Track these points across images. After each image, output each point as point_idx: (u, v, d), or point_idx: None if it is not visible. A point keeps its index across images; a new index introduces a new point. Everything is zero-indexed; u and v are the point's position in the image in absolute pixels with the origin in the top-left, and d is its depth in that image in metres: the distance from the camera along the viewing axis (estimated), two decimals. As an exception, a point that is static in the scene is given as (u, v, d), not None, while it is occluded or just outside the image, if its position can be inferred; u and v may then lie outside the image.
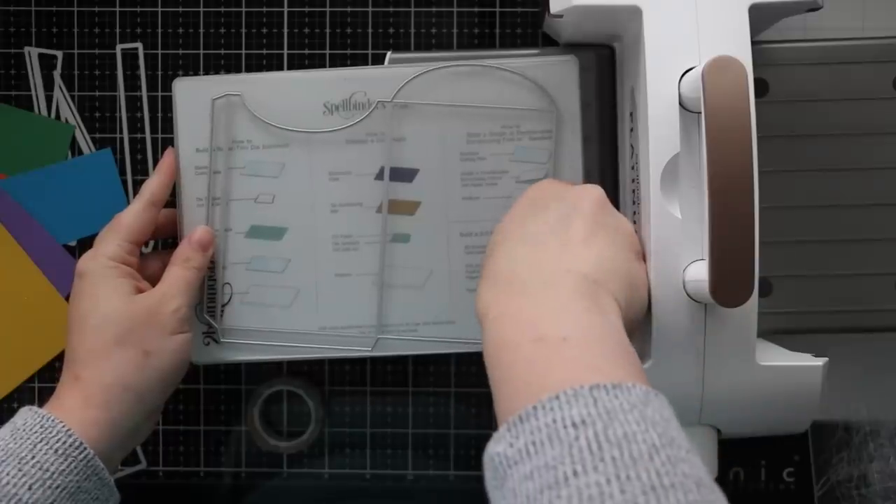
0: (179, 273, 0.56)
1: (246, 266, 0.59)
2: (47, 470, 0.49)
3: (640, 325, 0.51)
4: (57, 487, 0.48)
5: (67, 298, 0.63)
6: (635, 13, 0.52)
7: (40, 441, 0.49)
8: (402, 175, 0.58)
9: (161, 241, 0.63)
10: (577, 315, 0.44)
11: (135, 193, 0.63)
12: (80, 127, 0.64)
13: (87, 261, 0.56)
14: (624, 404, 0.38)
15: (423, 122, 0.58)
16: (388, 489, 0.65)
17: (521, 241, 0.49)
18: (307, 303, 0.59)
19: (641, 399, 0.39)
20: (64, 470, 0.49)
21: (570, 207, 0.50)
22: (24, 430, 0.50)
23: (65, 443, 0.50)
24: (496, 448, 0.39)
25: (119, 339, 0.53)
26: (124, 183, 0.64)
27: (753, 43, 0.51)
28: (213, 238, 0.58)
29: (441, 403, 0.65)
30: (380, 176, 0.58)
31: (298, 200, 0.59)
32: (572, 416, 0.38)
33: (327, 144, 0.58)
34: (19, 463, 0.48)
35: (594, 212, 0.50)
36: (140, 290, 0.56)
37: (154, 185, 0.58)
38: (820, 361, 0.53)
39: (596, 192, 0.51)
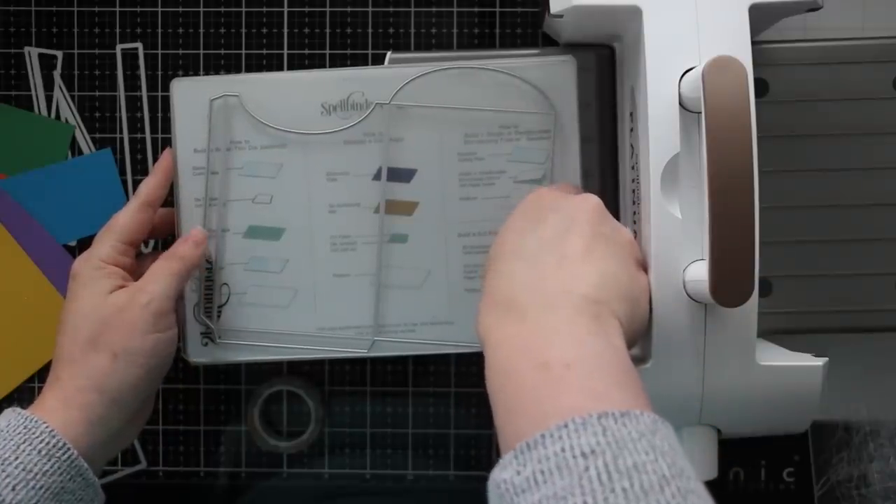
0: (159, 264, 0.55)
1: (244, 266, 0.59)
2: (30, 471, 0.48)
3: (641, 337, 0.51)
4: (41, 488, 0.48)
5: (67, 298, 0.63)
6: (635, 13, 0.51)
7: (23, 442, 0.49)
8: (400, 175, 0.58)
9: (162, 241, 0.63)
10: (579, 339, 0.44)
11: (134, 193, 0.63)
12: (80, 127, 0.64)
13: (79, 262, 0.56)
14: (633, 433, 0.38)
15: (421, 122, 0.58)
16: (388, 489, 0.65)
17: (518, 257, 0.48)
18: (305, 303, 0.59)
19: (650, 427, 0.39)
20: (48, 471, 0.49)
21: (566, 220, 0.49)
22: (7, 432, 0.50)
23: (48, 443, 0.49)
24: (502, 475, 0.39)
25: (91, 341, 0.53)
26: (124, 183, 0.64)
27: (753, 43, 0.51)
28: (204, 235, 0.57)
29: (441, 403, 0.65)
30: (377, 176, 0.58)
31: (296, 201, 0.59)
32: (581, 446, 0.37)
33: (325, 145, 0.58)
34: (2, 464, 0.48)
35: (591, 223, 0.49)
36: None
37: (150, 185, 0.57)
38: (820, 361, 0.53)
39: (592, 201, 0.50)
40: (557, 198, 0.51)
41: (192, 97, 0.58)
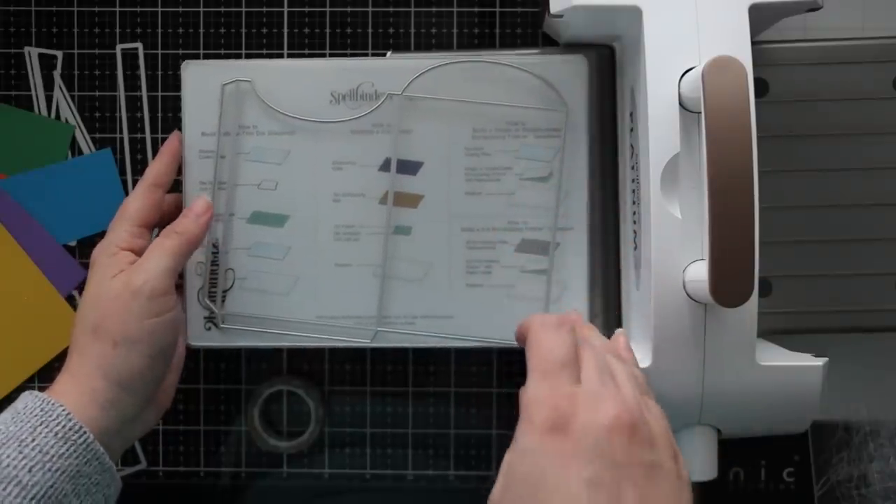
0: (156, 241, 0.55)
1: (247, 252, 0.59)
2: (47, 453, 0.48)
3: None
4: (57, 470, 0.48)
5: (67, 298, 0.63)
6: (635, 13, 0.52)
7: (40, 424, 0.49)
8: (407, 168, 0.59)
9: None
10: None
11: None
12: (80, 127, 0.64)
13: (96, 249, 0.55)
14: None
15: (430, 115, 0.58)
16: (388, 489, 0.65)
17: None
18: (306, 291, 0.59)
19: None
20: (63, 453, 0.49)
21: (607, 466, 0.41)
22: (24, 414, 0.50)
23: (65, 426, 0.49)
24: None
25: (94, 328, 0.53)
26: (124, 183, 0.64)
27: (753, 43, 0.51)
28: (207, 207, 0.57)
29: (441, 403, 0.65)
30: (383, 167, 0.59)
31: (301, 188, 0.59)
32: None
33: (332, 134, 0.58)
34: (20, 445, 0.48)
35: (631, 455, 0.41)
36: None
37: (156, 167, 0.58)
38: (820, 361, 0.53)
39: (620, 418, 0.42)
40: (576, 427, 0.42)
41: (202, 81, 0.58)
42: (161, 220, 0.59)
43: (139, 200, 0.56)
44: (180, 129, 0.59)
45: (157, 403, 0.57)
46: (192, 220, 0.56)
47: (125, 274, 0.54)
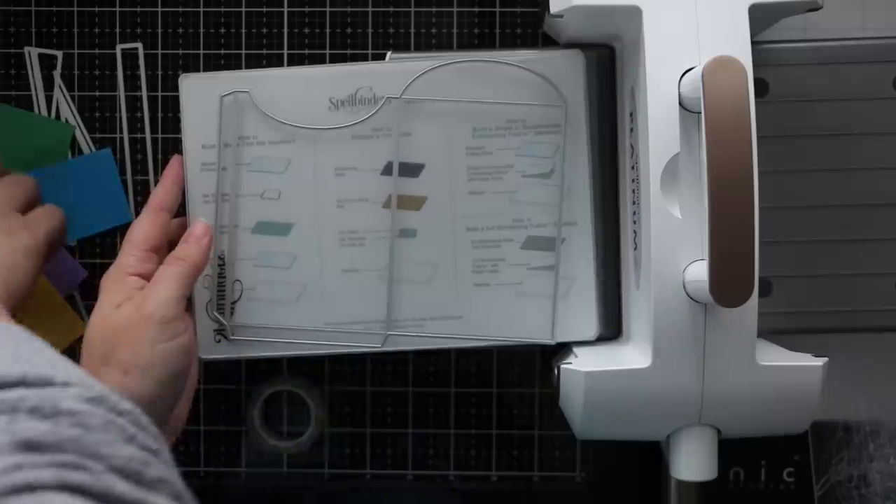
0: (162, 269, 0.54)
1: (253, 262, 0.59)
2: None
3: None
4: None
5: (67, 298, 0.63)
6: (635, 13, 0.51)
7: None
8: (409, 170, 0.59)
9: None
10: None
11: (135, 193, 0.63)
12: (80, 127, 0.64)
13: (104, 275, 0.55)
14: None
15: (430, 116, 0.58)
16: (388, 489, 0.65)
17: None
18: (313, 298, 0.59)
19: None
20: None
21: None
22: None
23: None
24: None
25: (103, 357, 0.52)
26: (124, 183, 0.64)
27: (753, 43, 0.51)
28: (207, 229, 0.56)
29: (441, 403, 0.65)
30: (385, 171, 0.58)
31: (304, 196, 0.59)
32: None
33: (333, 140, 0.58)
34: None
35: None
36: None
37: (160, 192, 0.57)
38: (820, 361, 0.53)
39: None
40: None
41: (199, 94, 0.58)
42: (172, 245, 0.59)
43: (145, 225, 0.55)
44: (180, 140, 0.58)
45: (167, 431, 0.55)
46: (193, 245, 0.56)
47: (132, 302, 0.53)
